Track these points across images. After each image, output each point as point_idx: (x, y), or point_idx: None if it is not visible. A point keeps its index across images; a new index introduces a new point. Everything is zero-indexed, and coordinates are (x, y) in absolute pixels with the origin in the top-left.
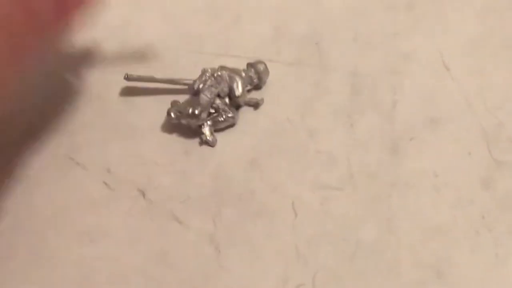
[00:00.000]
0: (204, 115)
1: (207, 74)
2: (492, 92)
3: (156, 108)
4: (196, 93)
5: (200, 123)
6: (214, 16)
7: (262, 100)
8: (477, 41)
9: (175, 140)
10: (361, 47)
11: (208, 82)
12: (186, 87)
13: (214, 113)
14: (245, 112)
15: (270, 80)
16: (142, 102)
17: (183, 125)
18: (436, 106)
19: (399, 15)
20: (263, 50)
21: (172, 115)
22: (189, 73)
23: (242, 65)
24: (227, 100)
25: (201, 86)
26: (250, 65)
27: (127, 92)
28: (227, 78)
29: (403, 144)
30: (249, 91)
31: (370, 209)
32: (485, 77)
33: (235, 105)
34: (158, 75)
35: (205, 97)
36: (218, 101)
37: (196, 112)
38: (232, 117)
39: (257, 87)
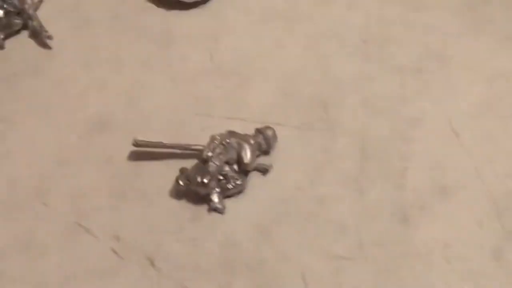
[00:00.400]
0: (213, 183)
1: (216, 142)
2: (502, 159)
3: (164, 173)
4: (205, 161)
5: (209, 191)
6: (222, 79)
7: (271, 166)
8: (486, 105)
9: (184, 206)
10: (369, 111)
11: (217, 150)
12: (194, 152)
13: (222, 179)
14: (254, 178)
15: (278, 144)
16: (150, 167)
17: (191, 190)
18: (446, 174)
19: (407, 79)
20: (271, 114)
21: (181, 183)
22: (197, 137)
23: (250, 129)
24: (235, 166)
25: (210, 154)
26: (258, 131)
27: (135, 157)
28: (236, 145)
29: (413, 213)
30: (257, 156)
31: (381, 280)
32: (494, 143)
33: (244, 171)
34: (166, 140)
35: (214, 164)
36: (227, 168)
37: (205, 181)
38: (241, 184)
39: (266, 152)
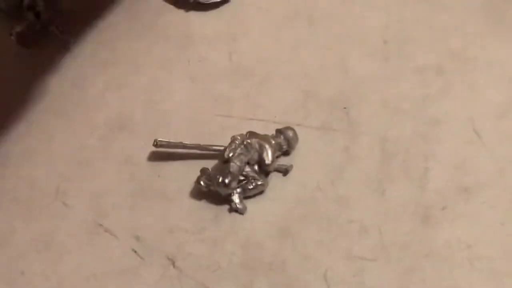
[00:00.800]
0: (234, 183)
1: (237, 142)
2: None
3: (185, 174)
4: (226, 161)
5: (230, 191)
6: (242, 79)
7: (292, 166)
8: (508, 106)
9: (204, 207)
10: (390, 111)
11: (238, 150)
12: (215, 152)
13: (243, 180)
14: (275, 178)
15: (298, 144)
16: (170, 167)
17: (212, 191)
18: (468, 174)
19: (428, 79)
20: (291, 114)
21: (202, 183)
22: (218, 137)
23: (270, 129)
24: (256, 167)
25: (231, 154)
26: (279, 131)
27: (156, 157)
28: (257, 146)
29: (435, 213)
30: (278, 156)
31: (404, 281)
32: None
33: (265, 171)
34: (186, 140)
35: (235, 165)
36: (247, 168)
37: (226, 181)
38: (262, 185)
39: (286, 152)
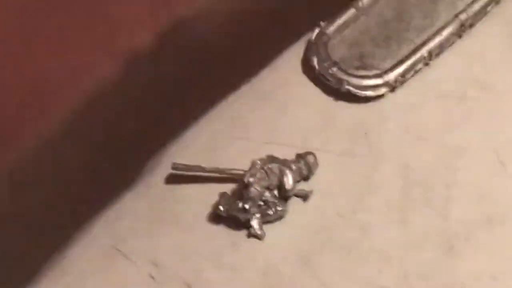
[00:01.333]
0: (253, 209)
1: (257, 167)
2: None
3: (202, 198)
4: (246, 185)
5: (249, 217)
6: (261, 101)
7: (311, 192)
8: None
9: (222, 232)
10: (412, 138)
11: (258, 175)
12: (233, 177)
13: (263, 205)
14: (294, 204)
15: (318, 170)
16: (188, 191)
17: (230, 216)
18: (492, 204)
19: (451, 106)
20: (311, 139)
21: (221, 208)
22: (236, 161)
23: (289, 154)
24: (276, 192)
25: (251, 179)
26: (299, 156)
27: (173, 180)
28: (277, 171)
29: (458, 243)
30: (298, 182)
31: None
32: None
33: (284, 197)
34: (205, 164)
35: (255, 190)
36: (267, 193)
37: (246, 206)
38: (282, 211)
39: (306, 178)
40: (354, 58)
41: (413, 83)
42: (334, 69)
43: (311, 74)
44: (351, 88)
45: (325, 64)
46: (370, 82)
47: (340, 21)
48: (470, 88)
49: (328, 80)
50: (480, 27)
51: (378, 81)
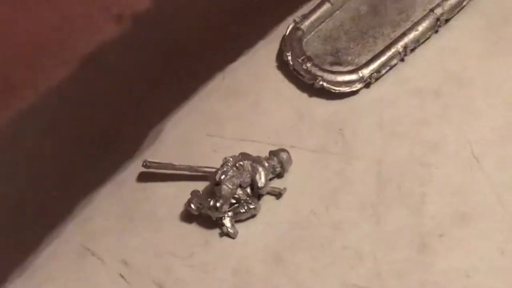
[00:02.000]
0: (225, 207)
1: (229, 164)
2: None
3: (175, 196)
4: (217, 183)
5: (221, 215)
6: (234, 98)
7: (285, 189)
8: (507, 130)
9: (194, 230)
10: (386, 134)
11: (230, 173)
12: (206, 174)
13: (235, 203)
14: (267, 202)
15: (292, 167)
16: (160, 189)
17: (203, 214)
18: (466, 200)
19: (426, 102)
20: (285, 135)
21: (193, 206)
22: (209, 158)
23: (263, 151)
24: (248, 190)
25: (222, 177)
26: (272, 154)
27: (145, 178)
28: (250, 168)
29: (432, 241)
30: (271, 179)
31: None
32: None
33: (257, 195)
34: (177, 161)
35: (226, 188)
36: (239, 191)
37: (218, 204)
38: (254, 208)
39: (280, 175)
40: (328, 53)
41: (388, 79)
42: (309, 64)
43: (285, 69)
44: (325, 84)
45: (299, 60)
46: (345, 77)
47: (314, 16)
48: (446, 83)
49: (302, 75)
50: (456, 22)
51: (353, 76)
